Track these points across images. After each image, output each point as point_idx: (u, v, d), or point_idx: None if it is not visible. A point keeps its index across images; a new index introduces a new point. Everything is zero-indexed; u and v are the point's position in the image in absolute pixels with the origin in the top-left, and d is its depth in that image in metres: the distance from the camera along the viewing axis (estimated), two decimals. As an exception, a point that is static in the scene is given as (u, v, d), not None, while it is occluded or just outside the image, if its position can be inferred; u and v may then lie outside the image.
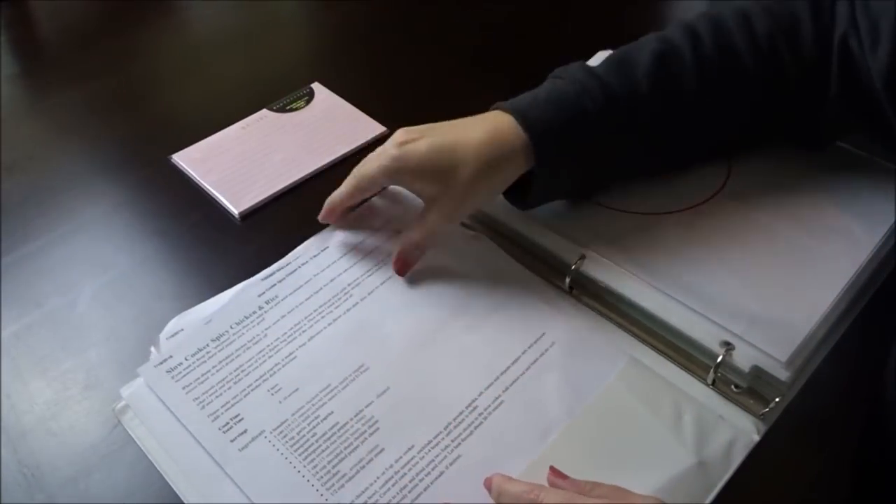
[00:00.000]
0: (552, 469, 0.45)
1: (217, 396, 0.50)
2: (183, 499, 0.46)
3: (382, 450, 0.47)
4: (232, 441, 0.48)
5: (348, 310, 0.55)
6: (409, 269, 0.57)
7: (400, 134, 0.55)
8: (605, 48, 0.76)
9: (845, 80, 0.55)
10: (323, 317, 0.55)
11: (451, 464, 0.46)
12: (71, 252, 0.62)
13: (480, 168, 0.53)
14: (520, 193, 0.57)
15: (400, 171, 0.55)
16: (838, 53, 0.55)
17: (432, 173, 0.54)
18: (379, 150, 0.56)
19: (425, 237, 0.56)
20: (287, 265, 0.59)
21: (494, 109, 0.57)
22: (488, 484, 0.45)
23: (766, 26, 0.56)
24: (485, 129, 0.54)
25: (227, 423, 0.48)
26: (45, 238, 0.63)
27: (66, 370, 0.54)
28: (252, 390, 0.50)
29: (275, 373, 0.51)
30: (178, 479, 0.47)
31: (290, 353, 0.52)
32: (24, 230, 0.64)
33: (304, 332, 0.54)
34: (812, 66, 0.56)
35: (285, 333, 0.54)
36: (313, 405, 0.49)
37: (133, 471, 0.49)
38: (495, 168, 0.54)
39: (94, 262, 0.62)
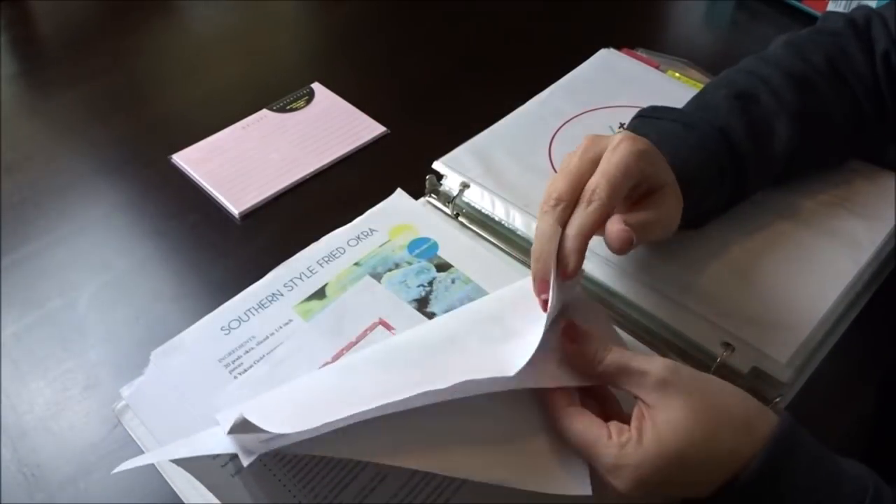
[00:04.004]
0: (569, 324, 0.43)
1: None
2: (183, 499, 0.47)
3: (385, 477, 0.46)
4: None
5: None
6: (628, 249, 0.45)
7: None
8: (605, 48, 0.76)
9: (894, 95, 0.56)
10: None
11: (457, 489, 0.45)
12: (71, 252, 0.62)
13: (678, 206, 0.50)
14: None
15: (646, 153, 0.46)
16: (883, 70, 0.56)
17: (661, 163, 0.48)
18: (587, 150, 0.46)
19: (651, 219, 0.47)
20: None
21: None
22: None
23: (820, 52, 0.57)
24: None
25: None
26: (45, 239, 0.63)
27: (66, 370, 0.54)
28: None
29: None
30: (177, 479, 0.47)
31: None
32: (24, 231, 0.64)
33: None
34: (868, 82, 0.57)
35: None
36: None
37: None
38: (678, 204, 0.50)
39: (94, 262, 0.62)
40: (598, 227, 0.44)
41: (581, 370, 0.43)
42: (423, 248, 0.59)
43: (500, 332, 0.46)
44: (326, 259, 0.59)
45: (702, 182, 0.52)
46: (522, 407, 0.44)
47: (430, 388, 0.39)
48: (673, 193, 0.49)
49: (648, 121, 0.56)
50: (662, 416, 0.38)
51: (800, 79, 0.56)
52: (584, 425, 0.40)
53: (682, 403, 0.38)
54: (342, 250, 0.59)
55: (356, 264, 0.58)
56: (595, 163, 0.45)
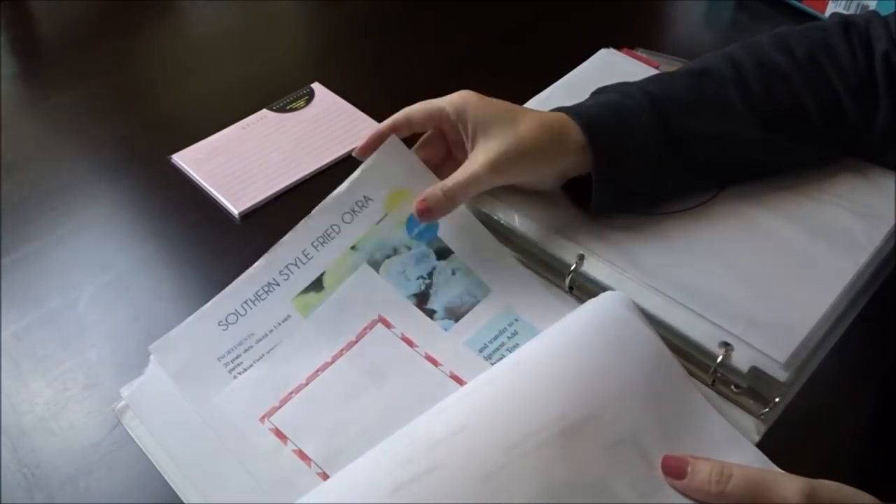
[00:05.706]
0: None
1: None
2: (183, 498, 0.47)
3: None
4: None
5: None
6: (432, 218, 0.54)
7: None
8: (605, 48, 0.76)
9: (893, 95, 0.56)
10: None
11: None
12: (71, 252, 0.63)
13: (543, 130, 0.53)
14: (585, 201, 0.56)
15: (465, 103, 0.54)
16: (882, 70, 0.56)
17: (495, 117, 0.53)
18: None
19: (463, 185, 0.52)
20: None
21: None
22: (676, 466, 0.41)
23: (804, 45, 0.58)
24: (541, 112, 0.55)
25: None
26: (45, 238, 0.64)
27: (66, 370, 0.54)
28: None
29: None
30: (177, 479, 0.47)
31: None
32: (24, 230, 0.64)
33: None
34: (857, 81, 0.57)
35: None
36: None
37: (133, 471, 0.49)
38: (555, 139, 0.53)
39: (94, 262, 0.62)
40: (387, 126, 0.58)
41: (699, 498, 0.41)
42: (423, 228, 0.58)
43: None
44: (321, 240, 0.57)
45: (622, 148, 0.53)
46: None
47: None
48: (497, 148, 0.52)
49: (596, 95, 0.58)
50: None
51: (772, 68, 0.57)
52: None
53: None
54: (337, 228, 0.57)
55: (353, 248, 0.57)
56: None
